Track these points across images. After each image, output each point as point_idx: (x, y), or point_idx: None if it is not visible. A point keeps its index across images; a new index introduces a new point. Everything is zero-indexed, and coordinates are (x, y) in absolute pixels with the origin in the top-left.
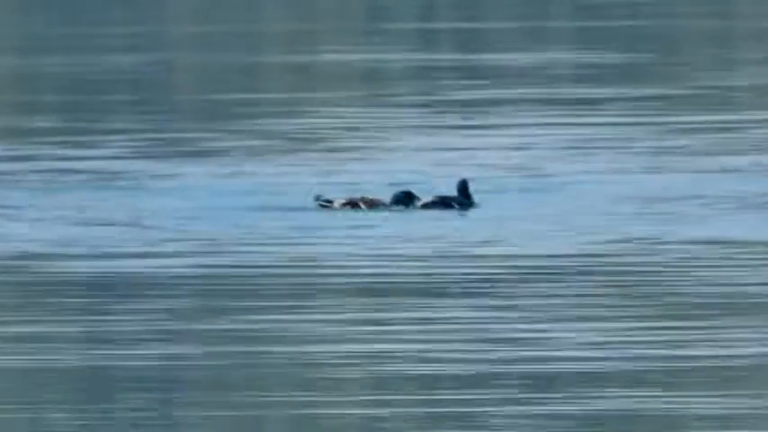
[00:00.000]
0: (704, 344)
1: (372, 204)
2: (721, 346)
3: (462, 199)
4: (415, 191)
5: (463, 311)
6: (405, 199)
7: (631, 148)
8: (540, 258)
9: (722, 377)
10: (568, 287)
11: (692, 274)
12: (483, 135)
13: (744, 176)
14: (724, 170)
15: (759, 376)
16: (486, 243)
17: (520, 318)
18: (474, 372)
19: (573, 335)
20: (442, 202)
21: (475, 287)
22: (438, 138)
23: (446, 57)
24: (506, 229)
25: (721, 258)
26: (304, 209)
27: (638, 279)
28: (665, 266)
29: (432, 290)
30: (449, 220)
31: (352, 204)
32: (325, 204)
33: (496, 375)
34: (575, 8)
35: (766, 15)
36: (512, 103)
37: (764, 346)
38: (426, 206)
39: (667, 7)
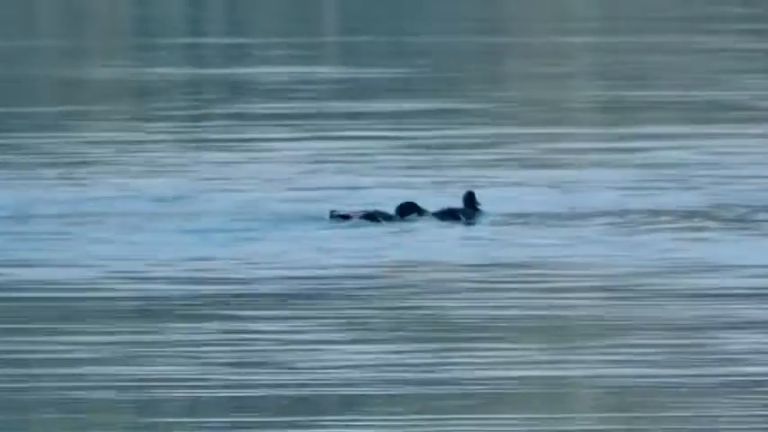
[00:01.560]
0: (462, 366)
1: (389, 217)
2: (480, 369)
3: (469, 210)
4: (418, 203)
5: (221, 334)
6: (411, 210)
7: (393, 161)
8: (299, 280)
9: (481, 399)
10: (329, 308)
11: (450, 296)
12: (246, 150)
13: (510, 192)
14: (493, 185)
15: (515, 399)
16: (254, 264)
17: (280, 340)
18: (236, 395)
19: (335, 357)
20: (450, 214)
21: (245, 307)
22: (206, 153)
23: (214, 72)
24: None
25: (479, 281)
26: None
27: (399, 301)
28: (421, 288)
29: (193, 311)
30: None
31: (371, 217)
32: (342, 217)
33: (256, 400)
34: (341, 24)
35: (533, 31)
36: (277, 117)
37: (522, 368)
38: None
39: (435, 23)
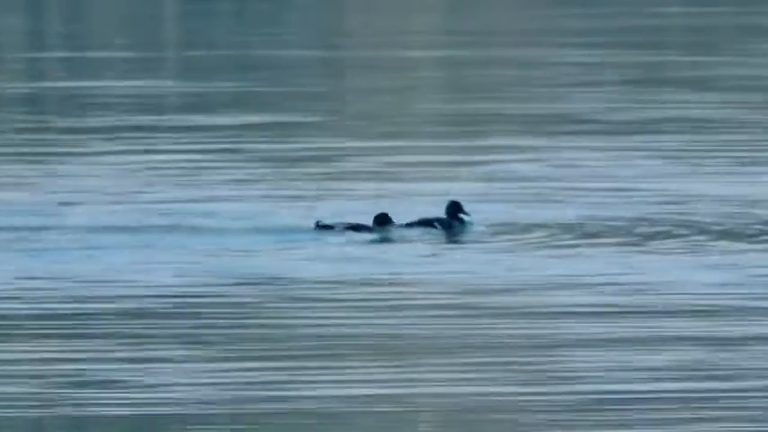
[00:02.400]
0: (306, 384)
1: (371, 229)
2: (323, 387)
3: (448, 219)
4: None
5: (63, 353)
6: (384, 221)
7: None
8: (143, 298)
9: (323, 419)
10: (171, 327)
11: (295, 313)
12: (87, 163)
13: (353, 205)
14: (335, 197)
15: (357, 418)
16: (98, 282)
17: (124, 359)
18: (79, 414)
19: (178, 375)
20: (425, 223)
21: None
22: (46, 166)
23: (53, 85)
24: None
25: (326, 299)
26: None
27: (244, 318)
28: (266, 305)
29: (35, 329)
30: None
31: (354, 228)
32: (326, 227)
33: (98, 419)
34: (182, 37)
35: (375, 45)
36: (117, 130)
37: (365, 387)
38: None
39: (276, 37)
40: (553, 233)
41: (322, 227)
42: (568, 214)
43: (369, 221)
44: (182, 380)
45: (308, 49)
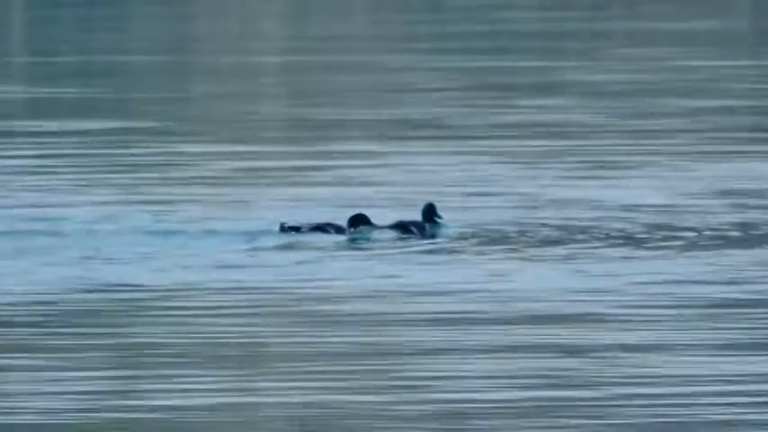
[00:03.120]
0: (154, 393)
1: (340, 229)
2: (172, 396)
3: (423, 222)
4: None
5: None
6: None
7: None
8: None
9: (175, 427)
10: (7, 336)
11: (145, 322)
12: None
13: (203, 211)
14: (182, 202)
15: (206, 427)
16: None
17: None
18: None
19: (32, 384)
20: (402, 227)
21: None
22: None
23: None
24: None
25: (176, 308)
26: None
27: (96, 327)
28: (119, 314)
29: None
30: None
31: (321, 228)
32: (292, 229)
33: None
34: (27, 43)
35: (221, 51)
36: None
37: (213, 395)
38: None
39: (122, 43)
40: (417, 238)
41: (288, 229)
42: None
43: (336, 221)
44: (28, 388)
45: (154, 55)
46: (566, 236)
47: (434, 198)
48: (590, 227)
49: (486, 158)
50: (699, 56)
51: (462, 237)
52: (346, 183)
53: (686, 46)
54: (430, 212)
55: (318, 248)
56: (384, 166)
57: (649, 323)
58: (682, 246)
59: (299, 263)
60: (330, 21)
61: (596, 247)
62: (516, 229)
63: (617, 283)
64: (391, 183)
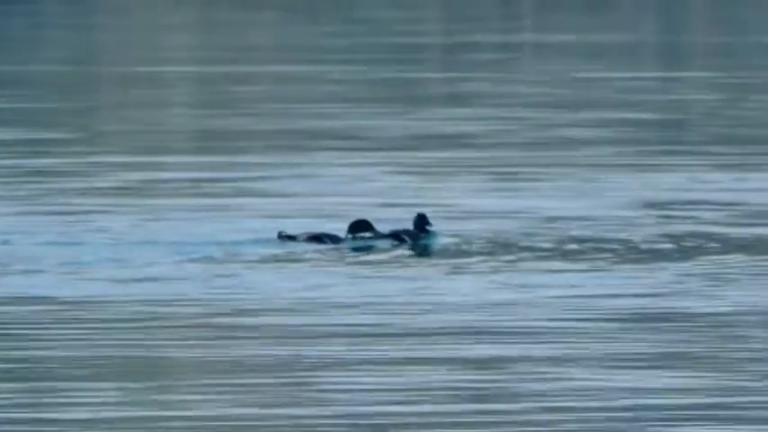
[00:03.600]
0: (55, 407)
1: (336, 239)
2: (75, 410)
3: (416, 232)
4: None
5: None
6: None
7: None
8: None
9: None
10: None
11: (48, 335)
12: None
13: (110, 221)
14: (90, 212)
15: None
16: None
17: None
18: None
19: None
20: (395, 236)
21: None
22: None
23: None
24: None
25: (82, 319)
26: None
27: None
28: (19, 327)
29: None
30: None
31: (317, 238)
32: (289, 238)
33: None
34: None
35: (127, 61)
36: None
37: (118, 409)
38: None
39: (27, 53)
40: (340, 250)
41: (285, 237)
42: (337, 231)
43: (334, 231)
44: None
45: (60, 65)
46: (490, 248)
47: (345, 209)
48: (513, 239)
49: (397, 169)
50: (606, 68)
51: (389, 250)
52: (254, 194)
53: (593, 59)
54: (421, 222)
55: (243, 261)
56: (291, 177)
57: (568, 336)
58: (606, 258)
59: (218, 275)
60: (239, 31)
61: (521, 260)
62: (443, 241)
63: (537, 295)
64: (299, 194)
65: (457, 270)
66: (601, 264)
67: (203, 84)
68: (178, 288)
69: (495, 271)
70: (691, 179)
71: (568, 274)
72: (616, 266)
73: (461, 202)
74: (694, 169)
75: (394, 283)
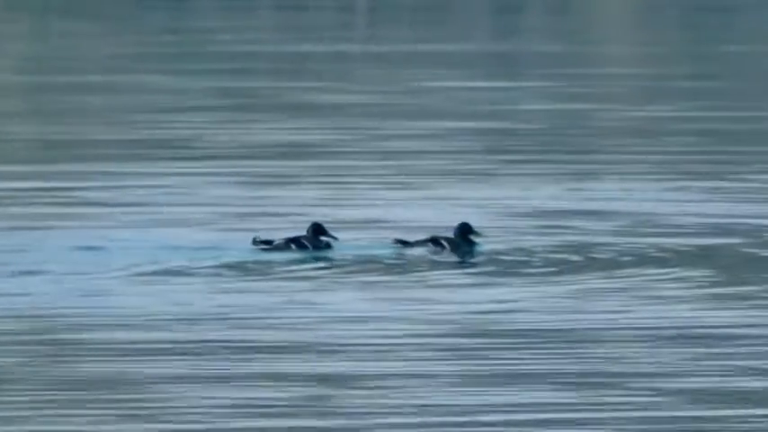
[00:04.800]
0: None
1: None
2: None
3: (458, 239)
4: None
5: None
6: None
7: None
8: None
9: None
10: None
11: None
12: None
13: None
14: None
15: None
16: None
17: None
18: None
19: None
20: (433, 241)
21: None
22: None
23: None
24: None
25: None
26: None
27: None
28: None
29: None
30: None
31: (296, 242)
32: (265, 246)
33: None
34: None
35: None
36: None
37: None
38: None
39: None
40: (193, 259)
41: (260, 242)
42: (180, 242)
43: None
44: None
45: None
46: (352, 259)
47: (180, 217)
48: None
49: (230, 179)
50: (439, 77)
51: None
52: (85, 203)
53: (427, 68)
54: (464, 230)
55: (81, 272)
56: (125, 187)
57: (419, 352)
58: (458, 273)
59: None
60: (72, 42)
61: (364, 271)
62: (301, 253)
63: (381, 309)
64: (130, 203)
65: (324, 285)
66: (459, 278)
67: (38, 93)
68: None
69: (364, 286)
70: (525, 188)
71: (419, 290)
72: (470, 280)
73: (303, 211)
74: (527, 180)
75: (250, 296)
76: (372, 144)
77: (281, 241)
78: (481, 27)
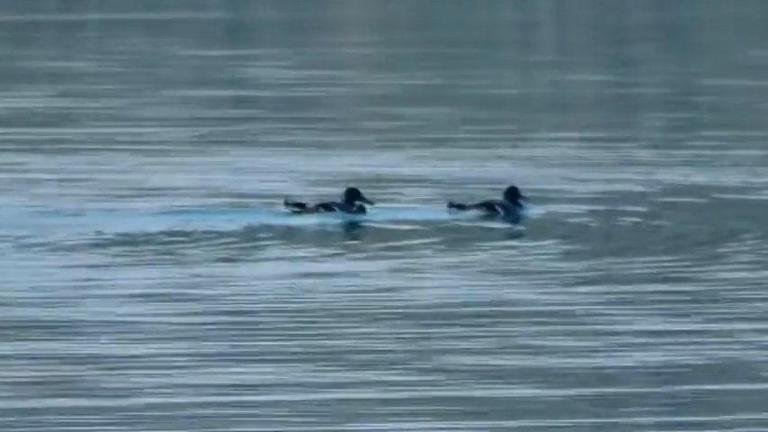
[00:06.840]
0: None
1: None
2: None
3: (508, 203)
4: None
5: None
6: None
7: None
8: None
9: None
10: None
11: None
12: None
13: None
14: None
15: None
16: None
17: None
18: None
19: None
20: (487, 205)
21: None
22: None
23: None
24: None
25: None
26: None
27: None
28: None
29: None
30: None
31: (326, 207)
32: (297, 209)
33: None
34: None
35: None
36: None
37: None
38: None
39: None
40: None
41: (293, 204)
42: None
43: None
44: None
45: None
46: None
47: None
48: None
49: None
50: (172, 45)
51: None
52: None
53: (159, 36)
54: (513, 195)
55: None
56: None
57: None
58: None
59: None
60: None
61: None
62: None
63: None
64: None
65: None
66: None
67: None
68: None
69: (180, 262)
70: (264, 154)
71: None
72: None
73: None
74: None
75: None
76: (127, 113)
77: (312, 204)
78: None
